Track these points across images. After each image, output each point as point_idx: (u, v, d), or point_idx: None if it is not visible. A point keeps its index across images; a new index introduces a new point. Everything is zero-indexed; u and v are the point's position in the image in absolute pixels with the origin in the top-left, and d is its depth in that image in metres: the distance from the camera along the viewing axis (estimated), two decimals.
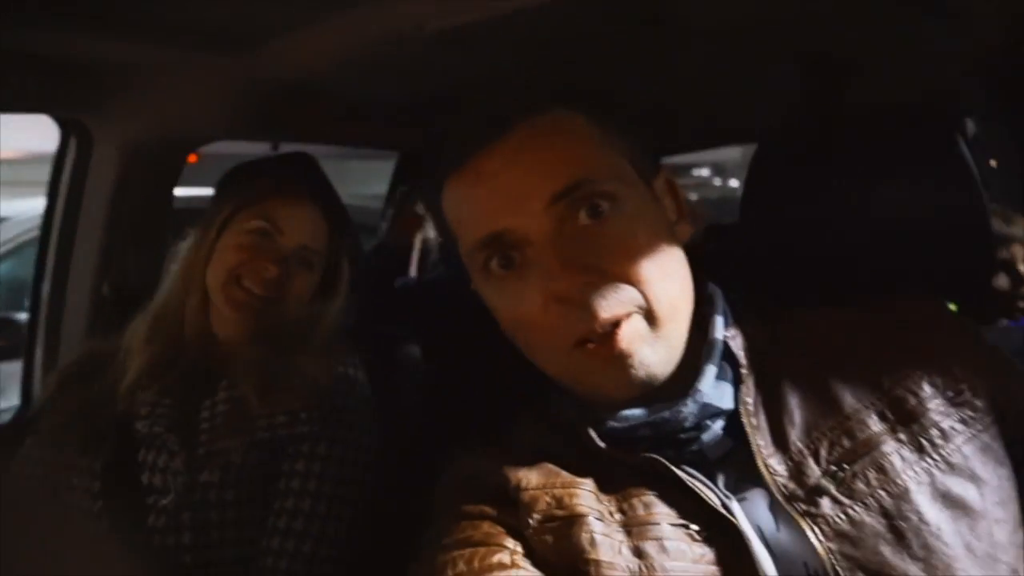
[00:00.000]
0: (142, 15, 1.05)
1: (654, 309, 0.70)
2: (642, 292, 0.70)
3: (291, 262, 1.21)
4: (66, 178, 1.52)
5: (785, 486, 0.69)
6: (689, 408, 0.71)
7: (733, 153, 6.38)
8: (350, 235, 1.33)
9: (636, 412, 0.72)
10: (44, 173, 1.57)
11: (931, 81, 1.61)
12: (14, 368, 1.67)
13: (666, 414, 0.71)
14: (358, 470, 1.16)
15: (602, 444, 0.74)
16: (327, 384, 1.17)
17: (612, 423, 0.73)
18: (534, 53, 1.23)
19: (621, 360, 0.69)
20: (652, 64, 1.43)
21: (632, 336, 0.69)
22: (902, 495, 0.66)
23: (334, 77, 1.33)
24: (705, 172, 8.19)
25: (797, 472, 0.69)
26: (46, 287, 1.57)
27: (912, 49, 1.39)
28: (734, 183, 7.77)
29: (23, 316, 1.71)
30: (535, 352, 0.76)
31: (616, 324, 0.69)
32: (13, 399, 1.67)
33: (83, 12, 1.01)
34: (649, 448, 0.72)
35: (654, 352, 0.71)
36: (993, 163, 1.76)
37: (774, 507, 0.69)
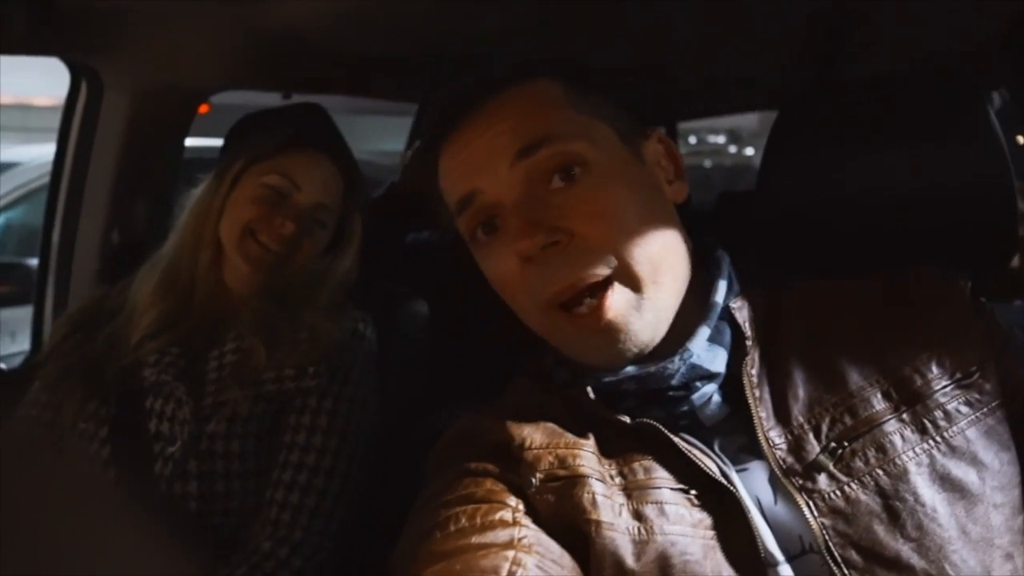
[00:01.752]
0: None
1: (634, 271, 0.70)
2: (616, 253, 0.70)
3: (306, 219, 1.21)
4: (76, 124, 1.51)
5: (784, 459, 0.69)
6: (676, 365, 0.71)
7: (749, 120, 6.30)
8: (362, 191, 1.32)
9: (626, 369, 0.73)
10: (55, 119, 1.56)
11: (949, 49, 1.57)
12: (25, 313, 1.68)
13: (652, 369, 0.71)
14: (363, 426, 1.17)
15: (592, 396, 0.74)
16: (335, 340, 1.17)
17: (600, 378, 0.74)
18: (537, 12, 1.21)
19: (609, 332, 0.70)
20: (658, 26, 1.40)
21: (619, 306, 0.70)
22: (900, 475, 0.66)
23: (341, 28, 1.30)
24: (721, 139, 8.11)
25: (796, 446, 0.69)
26: (56, 233, 1.57)
27: (924, 10, 1.36)
28: (749, 151, 7.69)
29: (34, 262, 1.71)
30: (522, 313, 0.77)
31: (598, 289, 0.69)
32: (24, 344, 1.69)
33: None
34: (636, 405, 0.73)
35: (641, 319, 0.71)
36: (1021, 139, 1.73)
37: (773, 480, 0.69)
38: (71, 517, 0.31)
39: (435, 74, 1.61)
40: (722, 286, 0.77)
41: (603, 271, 0.69)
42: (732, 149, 8.03)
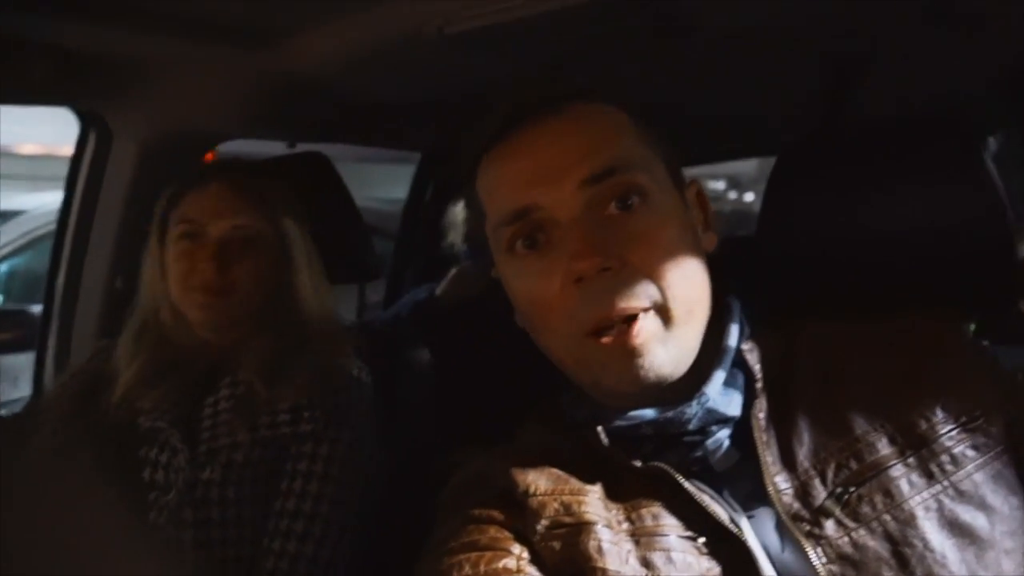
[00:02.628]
0: (162, 9, 1.05)
1: (670, 308, 0.70)
2: (660, 289, 0.70)
3: (228, 247, 1.17)
4: (84, 172, 1.53)
5: (790, 505, 0.68)
6: (693, 410, 0.71)
7: (748, 166, 6.36)
8: (279, 193, 1.26)
9: (642, 412, 0.72)
10: (62, 169, 1.58)
11: (950, 93, 1.59)
12: (27, 359, 1.68)
13: (669, 414, 0.71)
14: (360, 472, 1.16)
15: (606, 441, 0.73)
16: (332, 383, 1.17)
17: (617, 421, 0.73)
18: (540, 62, 1.23)
19: (632, 356, 0.69)
20: (658, 72, 1.42)
21: (647, 333, 0.69)
22: (908, 521, 0.65)
23: (352, 76, 1.33)
24: (720, 185, 8.18)
25: (803, 492, 0.68)
26: (60, 280, 1.58)
27: (927, 57, 1.38)
28: (749, 197, 7.75)
29: (37, 308, 1.71)
30: (547, 335, 0.76)
31: (631, 318, 0.69)
32: (25, 390, 1.68)
33: (104, 4, 1.02)
34: (652, 450, 0.72)
35: (666, 352, 0.70)
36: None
37: (780, 527, 0.68)
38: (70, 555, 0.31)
39: (440, 123, 1.64)
40: (734, 330, 0.77)
41: (645, 303, 0.70)
42: (732, 195, 8.09)
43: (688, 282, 0.72)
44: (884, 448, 0.69)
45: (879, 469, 0.68)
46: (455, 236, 1.92)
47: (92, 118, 1.48)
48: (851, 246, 0.97)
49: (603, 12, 1.06)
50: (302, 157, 1.65)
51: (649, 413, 0.72)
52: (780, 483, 0.69)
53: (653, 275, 0.70)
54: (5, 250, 3.03)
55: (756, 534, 0.68)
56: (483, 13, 1.06)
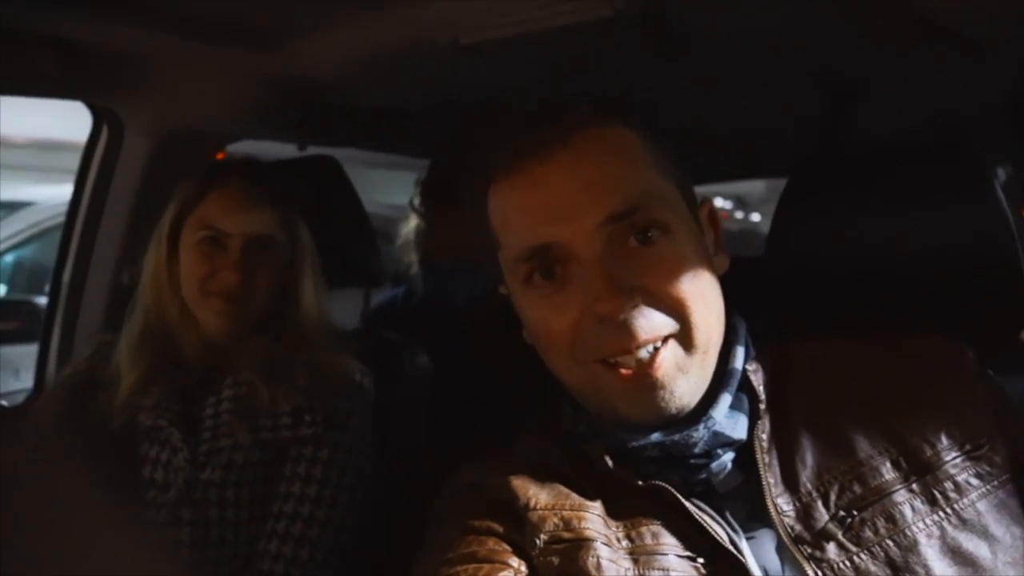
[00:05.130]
0: (176, 8, 1.06)
1: (692, 336, 0.70)
2: (682, 317, 0.70)
3: (249, 255, 1.18)
4: (95, 166, 1.53)
5: (792, 527, 0.68)
6: (700, 434, 0.70)
7: (756, 187, 6.36)
8: (293, 201, 1.27)
9: (651, 436, 0.71)
10: (72, 160, 1.58)
11: (953, 117, 1.60)
12: (30, 351, 1.68)
13: (676, 437, 0.70)
14: (358, 476, 1.16)
15: (611, 464, 0.73)
16: (333, 386, 1.17)
17: (621, 442, 0.72)
18: (549, 70, 1.24)
19: (653, 389, 0.69)
20: (665, 90, 1.43)
21: (668, 365, 0.69)
22: (911, 547, 0.65)
23: (365, 81, 1.33)
24: (727, 205, 8.18)
25: (805, 514, 0.68)
26: (68, 273, 1.58)
27: (928, 80, 1.38)
28: (756, 217, 7.74)
29: (42, 300, 1.72)
30: (559, 361, 0.75)
31: (654, 350, 0.68)
32: (28, 381, 1.68)
33: (117, 1, 1.03)
34: (656, 470, 0.71)
35: (687, 382, 0.70)
36: None
37: (780, 549, 0.68)
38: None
39: (449, 128, 1.64)
40: (740, 352, 0.76)
41: (665, 332, 0.69)
42: (738, 215, 8.09)
43: (708, 309, 0.72)
44: (888, 473, 0.69)
45: (882, 494, 0.68)
46: (409, 256, 1.81)
47: (105, 113, 1.49)
48: (858, 267, 0.97)
49: (612, 29, 1.06)
50: (313, 160, 1.66)
51: (655, 436, 0.71)
52: (782, 504, 0.69)
53: (674, 305, 0.69)
54: (12, 240, 3.04)
55: (756, 555, 0.68)
56: (498, 25, 1.06)
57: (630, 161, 0.73)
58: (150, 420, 1.14)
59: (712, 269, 0.75)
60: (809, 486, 0.69)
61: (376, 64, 1.25)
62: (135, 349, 1.19)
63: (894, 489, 0.68)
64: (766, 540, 0.69)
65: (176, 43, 1.19)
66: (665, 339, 0.69)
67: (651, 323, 0.68)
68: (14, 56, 1.17)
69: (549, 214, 0.70)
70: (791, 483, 0.70)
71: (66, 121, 1.60)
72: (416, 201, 1.79)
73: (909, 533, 0.66)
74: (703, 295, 0.71)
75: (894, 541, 0.65)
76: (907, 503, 0.67)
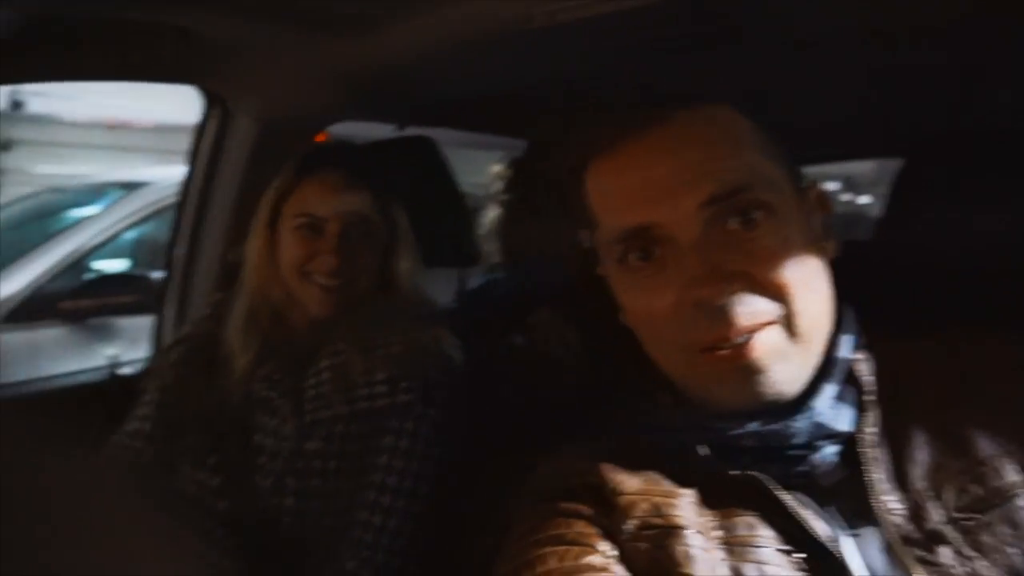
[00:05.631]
0: None
1: (796, 322, 0.67)
2: (786, 303, 0.67)
3: (346, 237, 1.20)
4: (205, 148, 1.61)
5: (901, 527, 0.64)
6: (800, 424, 0.67)
7: (866, 167, 6.06)
8: (388, 178, 1.29)
9: (748, 425, 0.69)
10: (184, 142, 1.66)
11: None
12: (147, 322, 1.79)
13: (775, 427, 0.68)
14: (447, 451, 1.17)
15: (705, 452, 0.71)
16: (425, 358, 1.19)
17: (717, 430, 0.70)
18: (648, 47, 1.20)
19: (751, 372, 0.66)
20: (773, 66, 1.37)
21: (768, 348, 0.66)
22: None
23: (453, 64, 1.34)
24: (834, 186, 7.83)
25: (916, 514, 0.64)
26: (180, 250, 1.67)
27: None
28: (864, 199, 7.39)
29: (159, 274, 1.82)
30: (656, 346, 0.73)
31: (752, 332, 0.66)
32: (144, 352, 1.79)
33: None
34: (753, 461, 0.69)
35: (787, 368, 0.67)
36: None
37: (888, 549, 0.64)
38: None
39: (546, 109, 1.63)
40: (847, 341, 0.73)
41: (767, 318, 0.66)
42: (846, 197, 7.73)
43: (813, 295, 0.68)
44: (1011, 475, 0.64)
45: (1005, 497, 0.63)
46: (491, 247, 1.78)
47: (215, 98, 1.55)
48: (977, 256, 0.90)
49: (707, 5, 1.02)
50: (410, 140, 1.69)
51: (752, 425, 0.69)
52: (890, 503, 0.65)
53: (777, 290, 0.67)
54: (133, 218, 3.23)
55: (860, 555, 0.64)
56: (575, 6, 1.04)
57: (734, 141, 0.70)
58: (263, 391, 1.19)
59: (819, 254, 0.71)
60: (921, 484, 0.65)
61: (470, 44, 1.25)
62: (243, 331, 1.23)
63: (1019, 492, 0.63)
64: (872, 539, 0.65)
65: (278, 31, 1.23)
66: (768, 325, 0.66)
67: (751, 309, 0.66)
68: (136, 45, 1.24)
69: (648, 194, 0.69)
70: (901, 480, 0.66)
71: (182, 106, 1.67)
72: (501, 187, 1.77)
73: None
74: (808, 281, 0.68)
75: (1018, 548, 0.61)
76: None
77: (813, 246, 0.71)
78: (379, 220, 1.24)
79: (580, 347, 1.04)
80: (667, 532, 0.66)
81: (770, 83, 1.44)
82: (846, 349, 0.72)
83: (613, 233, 0.72)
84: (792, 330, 0.67)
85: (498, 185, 1.76)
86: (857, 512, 0.67)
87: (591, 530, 0.69)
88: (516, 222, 1.73)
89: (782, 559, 0.64)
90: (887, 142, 2.14)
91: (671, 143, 0.69)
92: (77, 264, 3.01)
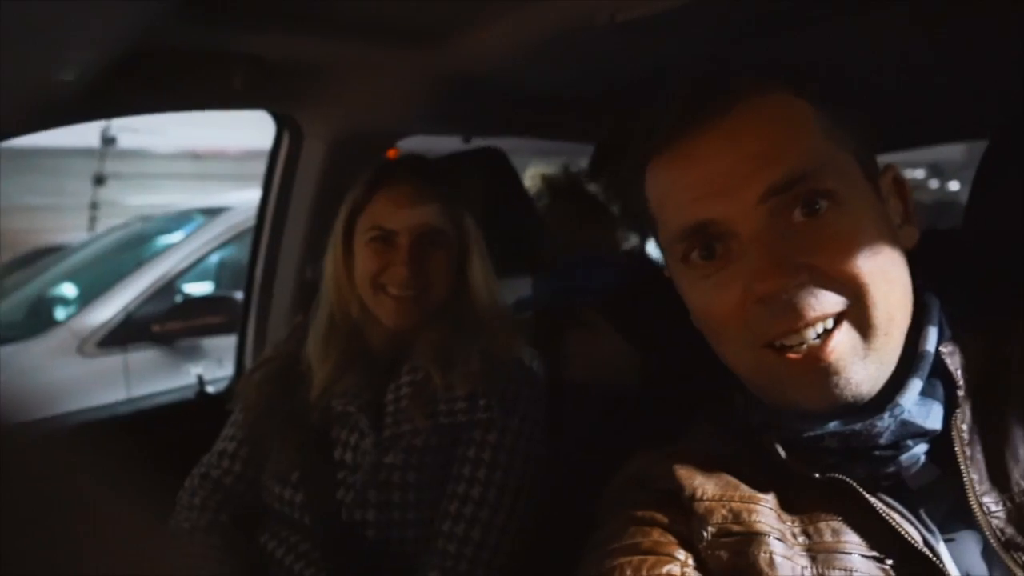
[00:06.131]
0: (342, 16, 1.11)
1: (870, 315, 0.63)
2: (857, 295, 0.63)
3: (418, 250, 1.21)
4: (279, 170, 1.66)
5: (1002, 530, 0.60)
6: (885, 423, 0.64)
7: (953, 152, 5.79)
8: (462, 190, 1.29)
9: (829, 425, 0.66)
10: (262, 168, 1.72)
11: None
12: (231, 342, 1.85)
13: (857, 426, 0.64)
14: (526, 461, 1.17)
15: (784, 455, 0.68)
16: (503, 372, 1.19)
17: (797, 431, 0.67)
18: (725, 45, 1.17)
19: (827, 374, 0.63)
20: (857, 51, 1.31)
21: (843, 348, 0.63)
22: None
23: (525, 69, 1.34)
24: (920, 174, 7.50)
25: (1018, 516, 0.60)
26: (259, 270, 1.72)
27: None
28: (953, 186, 7.06)
29: (241, 295, 1.88)
30: (724, 347, 0.71)
31: (824, 332, 0.63)
32: (230, 369, 1.85)
33: (291, 17, 1.09)
34: (837, 462, 0.66)
35: (865, 369, 0.64)
36: None
37: (988, 553, 0.60)
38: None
39: (613, 115, 1.61)
40: (933, 333, 0.68)
41: (836, 308, 0.63)
42: (934, 184, 7.40)
43: (888, 285, 0.65)
44: None
45: None
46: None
47: (286, 120, 1.60)
48: None
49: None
50: (479, 152, 1.69)
51: (833, 425, 0.65)
52: (989, 504, 0.61)
53: (847, 281, 0.63)
54: (216, 242, 3.37)
55: (956, 560, 0.61)
56: (633, 4, 1.02)
57: (795, 129, 0.67)
58: (341, 406, 1.21)
59: (895, 242, 0.67)
60: (1022, 484, 0.61)
61: (535, 52, 1.25)
62: (323, 344, 1.26)
63: None
64: (969, 543, 0.61)
65: (345, 49, 1.25)
66: (838, 320, 0.63)
67: (818, 301, 0.63)
68: (209, 75, 1.29)
69: (706, 189, 0.66)
70: (999, 480, 0.62)
71: (265, 132, 1.73)
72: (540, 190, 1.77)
73: None
74: (883, 271, 0.64)
75: None
76: None
77: (887, 234, 0.67)
78: (450, 231, 1.25)
79: (636, 350, 1.01)
80: (747, 539, 0.64)
81: (844, 65, 1.38)
82: (931, 341, 0.68)
83: (674, 231, 0.70)
84: (867, 324, 0.64)
85: (536, 187, 1.77)
86: (951, 515, 0.63)
87: (668, 538, 0.68)
88: (565, 225, 1.73)
89: (872, 566, 0.61)
90: (974, 124, 2.03)
91: (728, 135, 0.67)
92: (166, 288, 3.15)
